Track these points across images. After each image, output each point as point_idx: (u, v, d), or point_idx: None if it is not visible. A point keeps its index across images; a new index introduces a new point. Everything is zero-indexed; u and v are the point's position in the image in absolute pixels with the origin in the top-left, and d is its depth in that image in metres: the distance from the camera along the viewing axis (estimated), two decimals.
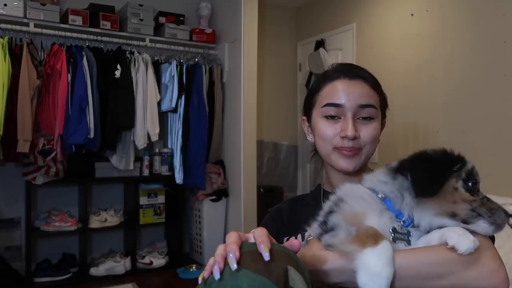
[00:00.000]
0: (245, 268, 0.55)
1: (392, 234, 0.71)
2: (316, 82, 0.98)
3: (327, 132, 0.92)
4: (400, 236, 0.71)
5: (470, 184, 0.71)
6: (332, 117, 0.92)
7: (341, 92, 0.91)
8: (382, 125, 0.99)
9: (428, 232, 0.72)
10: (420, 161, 0.72)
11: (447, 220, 0.69)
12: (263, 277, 0.54)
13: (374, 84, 0.95)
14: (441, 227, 0.70)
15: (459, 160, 0.73)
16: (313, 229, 0.77)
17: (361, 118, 0.91)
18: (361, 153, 0.91)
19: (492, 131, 2.87)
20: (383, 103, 0.97)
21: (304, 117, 1.04)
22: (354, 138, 0.89)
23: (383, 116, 0.99)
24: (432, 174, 0.69)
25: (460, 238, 0.66)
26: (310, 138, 1.01)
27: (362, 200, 0.74)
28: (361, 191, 0.76)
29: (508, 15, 2.77)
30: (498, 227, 0.69)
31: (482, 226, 0.69)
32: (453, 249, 0.66)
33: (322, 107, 0.93)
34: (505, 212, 0.70)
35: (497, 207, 0.70)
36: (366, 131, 0.91)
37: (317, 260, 0.69)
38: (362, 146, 0.91)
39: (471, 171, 0.72)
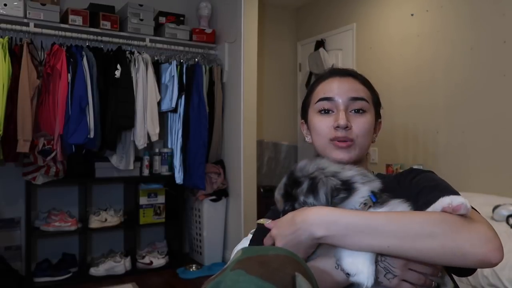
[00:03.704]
0: (253, 275, 0.54)
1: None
2: (311, 85, 1.05)
3: (322, 126, 0.97)
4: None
5: None
6: (326, 112, 0.97)
7: (333, 87, 0.97)
8: (378, 125, 1.03)
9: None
10: None
11: None
12: (270, 284, 0.53)
13: (364, 81, 1.01)
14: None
15: None
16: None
17: (353, 111, 0.95)
18: (354, 145, 0.95)
19: (492, 131, 2.87)
20: (376, 100, 1.02)
21: (302, 121, 1.08)
22: (346, 127, 0.93)
23: (378, 115, 1.03)
24: None
25: (454, 197, 0.72)
26: (308, 139, 1.06)
27: None
28: None
29: (508, 15, 2.77)
30: None
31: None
32: (447, 210, 0.71)
33: (316, 103, 0.98)
34: None
35: None
36: (358, 123, 0.95)
37: None
38: (355, 138, 0.94)
39: None
